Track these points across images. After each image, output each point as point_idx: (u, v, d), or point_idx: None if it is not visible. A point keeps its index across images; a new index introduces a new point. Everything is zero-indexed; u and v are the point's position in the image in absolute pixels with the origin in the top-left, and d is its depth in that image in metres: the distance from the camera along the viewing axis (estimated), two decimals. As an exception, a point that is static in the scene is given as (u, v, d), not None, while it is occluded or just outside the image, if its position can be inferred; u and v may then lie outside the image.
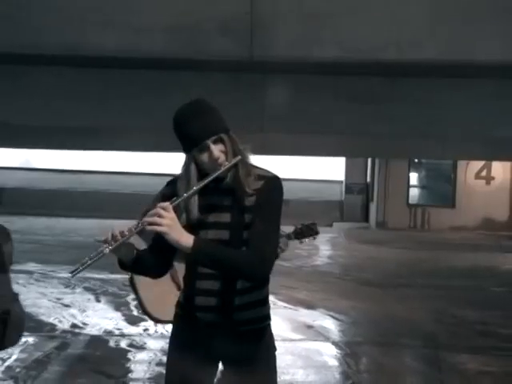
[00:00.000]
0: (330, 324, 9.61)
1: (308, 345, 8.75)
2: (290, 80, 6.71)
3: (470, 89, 8.81)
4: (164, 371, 6.79)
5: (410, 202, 22.35)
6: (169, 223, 3.20)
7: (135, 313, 10.21)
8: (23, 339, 8.40)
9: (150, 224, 3.19)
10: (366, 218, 23.65)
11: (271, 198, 3.38)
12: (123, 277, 12.55)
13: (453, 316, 10.43)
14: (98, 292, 11.38)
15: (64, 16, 5.15)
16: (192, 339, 3.55)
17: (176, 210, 3.25)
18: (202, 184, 3.29)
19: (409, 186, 22.84)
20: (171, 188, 3.45)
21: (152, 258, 3.47)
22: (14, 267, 4.83)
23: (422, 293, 11.91)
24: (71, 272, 3.25)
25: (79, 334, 8.94)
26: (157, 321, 5.40)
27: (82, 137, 12.58)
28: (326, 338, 8.99)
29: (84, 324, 9.43)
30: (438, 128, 9.65)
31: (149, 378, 7.25)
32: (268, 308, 3.63)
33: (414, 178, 23.37)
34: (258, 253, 3.30)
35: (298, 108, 8.89)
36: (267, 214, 3.36)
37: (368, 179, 24.25)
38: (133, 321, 9.75)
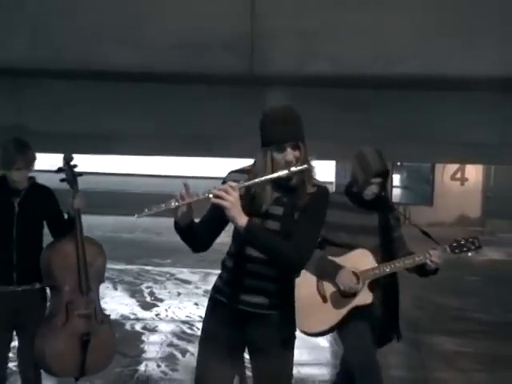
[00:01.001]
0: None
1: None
2: (285, 92, 6.69)
3: (446, 100, 8.80)
4: (174, 352, 6.76)
5: (393, 200, 22.30)
6: (232, 201, 3.20)
7: (148, 299, 10.21)
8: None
9: (217, 196, 3.21)
10: (354, 215, 23.65)
11: (319, 204, 3.44)
12: (138, 267, 12.57)
13: (432, 303, 10.43)
14: (115, 281, 11.37)
15: (82, 34, 5.14)
16: (227, 321, 3.51)
17: (244, 192, 3.31)
18: (271, 176, 3.32)
19: (392, 187, 22.82)
20: (236, 175, 3.48)
21: (201, 230, 3.44)
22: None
23: (405, 282, 11.87)
24: (138, 214, 3.30)
25: (98, 318, 8.94)
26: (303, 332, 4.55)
27: (97, 142, 12.58)
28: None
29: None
30: (418, 134, 9.65)
31: (160, 358, 7.24)
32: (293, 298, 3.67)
33: (396, 179, 23.39)
34: (298, 248, 3.33)
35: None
36: (312, 216, 3.41)
37: (355, 180, 24.26)
38: (146, 306, 9.75)
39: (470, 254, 4.56)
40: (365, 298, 4.26)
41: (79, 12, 5.09)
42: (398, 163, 22.77)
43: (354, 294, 4.27)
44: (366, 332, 4.34)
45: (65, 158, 4.93)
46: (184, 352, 7.45)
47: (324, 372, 7.25)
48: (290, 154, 3.35)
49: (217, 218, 3.37)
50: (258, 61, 5.19)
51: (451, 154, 12.76)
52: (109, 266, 12.53)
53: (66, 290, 4.64)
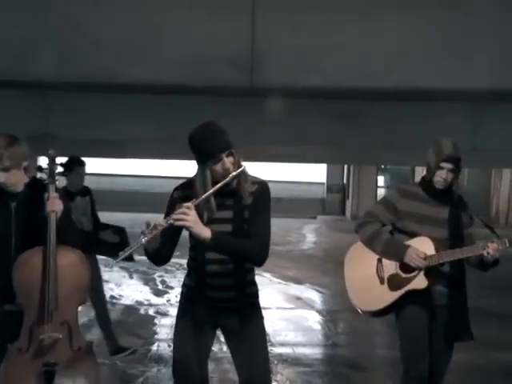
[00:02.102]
0: (314, 296, 9.60)
1: (297, 312, 8.74)
2: (281, 102, 6.72)
3: (424, 110, 8.82)
4: None
5: (378, 199, 22.34)
6: (193, 219, 3.25)
7: (160, 287, 10.22)
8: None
9: (178, 220, 3.23)
10: (343, 212, 23.63)
11: (265, 199, 3.46)
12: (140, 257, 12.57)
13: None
14: (131, 270, 11.37)
15: (103, 53, 5.16)
16: (199, 313, 3.52)
17: (196, 208, 3.28)
18: (216, 187, 3.32)
19: (377, 187, 22.83)
20: (182, 192, 3.47)
21: (162, 247, 3.44)
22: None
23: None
24: (116, 259, 3.32)
25: (116, 303, 8.94)
26: (361, 310, 4.32)
27: (115, 147, 12.58)
28: (311, 307, 8.99)
29: (120, 296, 9.43)
30: (400, 141, 9.67)
31: (171, 339, 7.21)
32: (256, 286, 3.64)
33: (380, 180, 23.44)
34: (259, 242, 3.38)
35: (288, 124, 8.89)
36: (263, 212, 3.44)
37: (344, 181, 24.28)
38: (158, 293, 9.76)
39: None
40: (419, 282, 3.96)
41: (101, 33, 5.11)
42: (383, 166, 22.77)
43: (412, 278, 3.97)
44: (422, 326, 4.00)
45: (48, 156, 3.73)
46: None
47: (316, 351, 7.26)
48: (227, 162, 3.36)
49: (172, 234, 3.40)
50: (257, 75, 5.20)
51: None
52: (125, 257, 12.64)
53: (30, 308, 3.47)
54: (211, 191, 3.31)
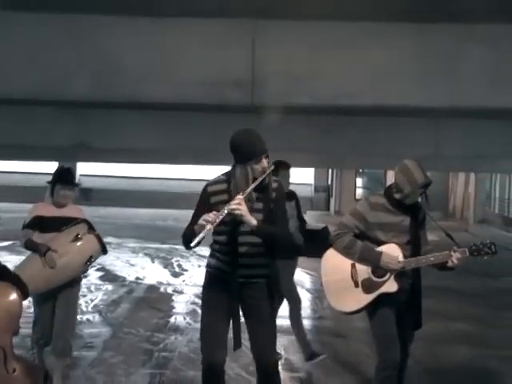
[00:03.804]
0: (305, 277, 9.60)
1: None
2: (276, 117, 6.73)
3: (395, 123, 8.85)
4: (196, 308, 6.65)
5: (357, 197, 22.30)
6: (245, 209, 3.30)
7: (177, 270, 10.22)
8: (104, 286, 8.44)
9: (234, 210, 3.28)
10: (328, 208, 23.64)
11: (283, 194, 3.57)
12: (169, 246, 12.57)
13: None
14: (153, 256, 11.39)
15: (129, 75, 5.15)
16: (223, 290, 3.49)
17: (245, 200, 3.33)
18: (257, 182, 3.37)
19: (355, 187, 22.87)
20: (216, 186, 3.49)
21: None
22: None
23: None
24: (191, 245, 3.33)
25: (140, 283, 8.96)
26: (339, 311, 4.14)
27: (141, 154, 12.59)
28: (302, 287, 8.97)
29: (144, 277, 9.44)
30: (375, 149, 9.69)
31: (186, 312, 7.25)
32: (277, 269, 3.66)
33: (359, 181, 23.46)
34: (287, 232, 3.56)
35: (283, 135, 8.91)
36: (283, 204, 3.55)
37: (329, 182, 24.31)
38: (175, 275, 9.78)
39: (485, 257, 3.81)
40: (390, 286, 3.82)
41: (127, 60, 5.11)
42: (360, 170, 22.78)
43: (383, 282, 3.83)
44: (393, 326, 3.88)
45: None
46: (203, 308, 7.48)
47: (306, 323, 7.22)
48: (265, 162, 3.41)
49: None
50: (256, 95, 5.20)
51: (398, 163, 12.79)
52: (147, 245, 12.58)
53: None
54: (254, 185, 3.35)
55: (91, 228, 4.39)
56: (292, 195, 5.45)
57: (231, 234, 3.44)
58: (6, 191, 21.95)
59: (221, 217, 3.28)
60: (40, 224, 4.34)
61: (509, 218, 17.55)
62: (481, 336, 6.68)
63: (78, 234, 4.27)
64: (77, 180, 4.63)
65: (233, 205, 3.29)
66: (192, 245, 3.35)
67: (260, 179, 3.37)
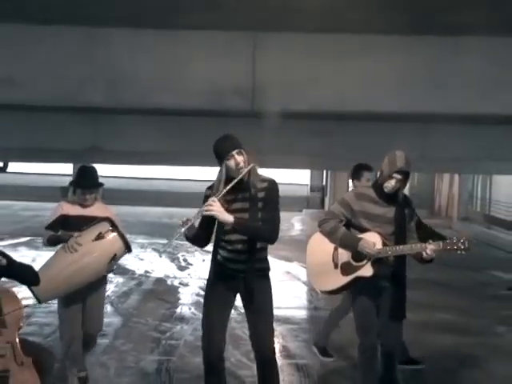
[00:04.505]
0: (300, 271, 9.61)
1: (287, 283, 8.75)
2: (275, 123, 6.73)
3: (383, 128, 8.86)
4: (200, 300, 6.69)
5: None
6: (218, 209, 3.29)
7: (183, 264, 10.23)
8: (115, 279, 8.45)
9: (207, 211, 3.29)
10: (323, 206, 23.64)
11: (273, 193, 3.44)
12: (176, 242, 12.56)
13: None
14: (160, 251, 11.40)
15: (140, 84, 5.17)
16: (224, 282, 3.52)
17: (220, 200, 3.32)
18: (233, 183, 3.35)
19: (348, 187, 22.81)
20: (211, 190, 3.48)
21: (201, 233, 3.47)
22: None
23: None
24: (162, 249, 3.36)
25: (149, 276, 8.97)
26: (317, 289, 4.20)
27: (150, 156, 12.59)
28: (298, 279, 9.00)
29: (152, 270, 9.45)
30: (366, 151, 9.67)
31: (191, 303, 7.27)
32: (268, 263, 3.63)
33: (351, 182, 23.37)
34: (272, 230, 3.40)
35: (281, 139, 8.92)
36: (273, 204, 3.42)
37: (324, 183, 24.29)
38: (181, 268, 9.79)
39: (458, 252, 3.71)
40: (366, 270, 3.80)
41: (137, 69, 5.11)
42: (352, 171, 22.78)
43: (360, 266, 3.81)
44: (371, 312, 3.87)
45: None
46: (207, 299, 7.50)
47: (302, 313, 7.27)
48: (238, 158, 3.37)
49: (207, 223, 3.44)
50: (257, 102, 5.20)
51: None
52: (155, 240, 12.60)
53: None
54: (229, 186, 3.32)
55: (114, 226, 4.07)
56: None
57: (230, 230, 3.44)
58: (24, 191, 21.95)
59: (193, 220, 3.29)
60: (64, 223, 4.08)
61: (489, 216, 17.56)
62: (464, 325, 6.70)
63: (100, 233, 3.98)
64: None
65: (205, 206, 3.29)
66: (161, 250, 3.40)
67: (236, 180, 3.32)
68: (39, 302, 3.90)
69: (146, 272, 9.28)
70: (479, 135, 9.21)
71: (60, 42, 5.01)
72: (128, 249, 4.10)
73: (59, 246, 4.06)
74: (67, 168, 22.80)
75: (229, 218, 3.29)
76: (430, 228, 4.60)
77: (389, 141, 8.84)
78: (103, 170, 24.08)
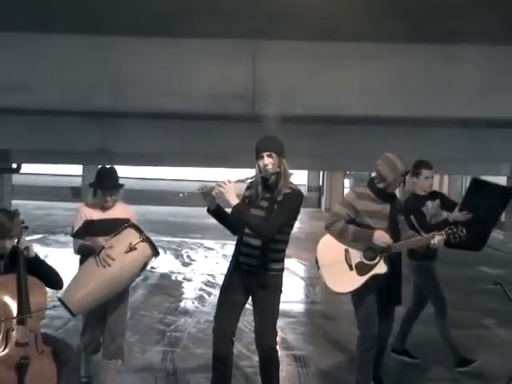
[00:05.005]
0: (299, 267, 9.62)
1: (286, 279, 8.74)
2: (274, 126, 6.72)
3: (376, 131, 8.85)
4: (203, 294, 6.66)
5: (344, 197, 22.37)
6: (227, 188, 3.27)
7: (186, 260, 10.22)
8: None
9: (219, 186, 3.28)
10: (319, 206, 23.64)
11: (291, 201, 3.40)
12: (180, 239, 12.57)
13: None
14: (165, 248, 11.39)
15: (146, 88, 5.17)
16: (237, 278, 3.51)
17: (247, 194, 3.41)
18: (251, 176, 3.39)
19: (343, 187, 22.82)
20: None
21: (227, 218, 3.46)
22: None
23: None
24: (179, 195, 3.38)
25: (154, 272, 8.95)
26: (332, 291, 4.01)
27: (156, 158, 12.58)
28: (297, 275, 9.00)
29: (157, 266, 9.43)
30: (360, 153, 9.68)
31: (194, 298, 7.26)
32: (283, 264, 3.57)
33: (346, 182, 23.43)
34: (268, 226, 3.33)
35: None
36: (284, 208, 3.38)
37: (320, 183, 24.30)
38: (185, 264, 9.78)
39: (458, 240, 3.83)
40: (381, 268, 3.81)
41: (143, 75, 5.11)
42: (348, 172, 22.74)
43: (374, 264, 3.82)
44: (373, 305, 3.89)
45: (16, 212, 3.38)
46: (209, 294, 7.47)
47: (300, 307, 7.26)
48: (266, 160, 3.38)
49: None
50: (257, 106, 5.21)
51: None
52: (160, 238, 12.63)
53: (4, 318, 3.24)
54: (246, 178, 3.38)
55: (140, 231, 3.79)
56: (436, 194, 4.88)
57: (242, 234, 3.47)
58: (36, 191, 21.95)
59: (208, 188, 3.32)
60: (90, 228, 3.86)
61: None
62: (452, 317, 6.67)
63: (130, 243, 3.70)
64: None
65: (219, 182, 3.28)
66: (177, 196, 3.47)
67: (255, 176, 3.36)
68: (73, 315, 3.72)
69: (152, 268, 9.27)
70: (467, 138, 9.22)
71: (70, 50, 5.02)
72: (156, 255, 3.86)
73: (91, 257, 3.75)
74: (77, 169, 22.82)
75: (233, 200, 3.26)
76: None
77: (382, 143, 8.81)
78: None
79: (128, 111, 6.54)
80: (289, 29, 4.72)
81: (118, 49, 5.04)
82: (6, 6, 4.35)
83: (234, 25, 4.63)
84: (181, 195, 3.38)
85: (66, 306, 3.58)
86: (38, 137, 9.31)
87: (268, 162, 3.36)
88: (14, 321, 3.19)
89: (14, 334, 3.17)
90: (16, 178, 15.14)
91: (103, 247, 3.65)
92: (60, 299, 3.60)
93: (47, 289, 3.39)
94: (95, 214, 3.90)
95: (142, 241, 3.74)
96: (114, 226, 3.79)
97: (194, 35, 4.90)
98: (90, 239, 3.80)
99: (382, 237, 3.78)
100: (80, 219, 3.89)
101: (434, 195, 4.80)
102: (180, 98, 5.21)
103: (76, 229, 3.87)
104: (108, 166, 4.05)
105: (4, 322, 3.19)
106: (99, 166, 4.15)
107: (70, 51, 5.01)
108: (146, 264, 3.80)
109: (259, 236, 3.40)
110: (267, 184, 3.40)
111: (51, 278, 3.40)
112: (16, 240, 3.27)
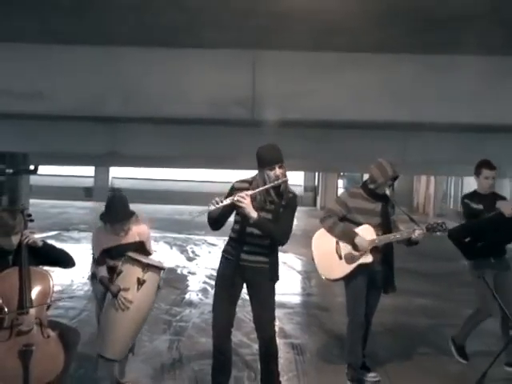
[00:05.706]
0: (296, 261, 9.59)
1: (284, 272, 8.71)
2: (273, 130, 6.73)
3: (369, 135, 8.84)
4: (207, 287, 6.62)
5: (338, 196, 22.33)
6: (247, 203, 3.28)
7: (191, 255, 10.19)
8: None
9: (238, 201, 3.28)
10: (315, 204, 23.61)
11: (292, 204, 3.48)
12: (185, 236, 12.56)
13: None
14: (170, 244, 11.35)
15: (151, 95, 5.17)
16: (233, 271, 3.48)
17: (251, 197, 3.33)
18: (265, 187, 3.38)
19: (337, 188, 22.81)
20: (241, 184, 3.48)
21: (220, 218, 3.44)
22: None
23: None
24: (193, 215, 3.38)
25: (161, 266, 8.93)
26: (327, 278, 4.14)
27: (162, 160, 12.57)
28: (293, 269, 8.97)
29: (163, 261, 9.42)
30: (353, 156, 9.69)
31: (198, 290, 7.24)
32: (272, 257, 3.55)
33: (340, 183, 23.42)
34: (283, 232, 3.42)
35: (278, 145, 8.89)
36: (290, 212, 3.47)
37: (316, 183, 24.28)
38: (190, 259, 9.74)
39: (438, 233, 4.02)
40: (366, 258, 3.95)
41: (150, 82, 5.12)
42: (341, 173, 22.75)
43: (361, 255, 3.95)
44: (361, 290, 4.00)
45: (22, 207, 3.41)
46: (212, 287, 7.37)
47: (296, 298, 7.24)
48: (277, 171, 3.39)
49: (227, 212, 3.41)
50: (256, 111, 5.21)
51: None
52: (166, 234, 12.54)
53: (11, 308, 3.20)
54: (262, 188, 3.36)
55: (139, 262, 3.68)
56: (496, 195, 4.50)
57: (242, 225, 3.45)
58: (52, 191, 21.95)
59: (225, 202, 3.28)
60: (107, 254, 3.78)
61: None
62: (437, 309, 6.69)
63: (138, 279, 3.63)
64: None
65: (238, 197, 3.28)
66: (194, 214, 3.37)
67: (269, 185, 3.36)
68: (117, 361, 3.77)
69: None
70: (452, 141, 9.22)
71: (83, 59, 5.02)
72: (163, 270, 3.83)
73: (109, 304, 3.68)
74: (89, 170, 22.80)
75: (254, 213, 3.30)
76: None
77: (373, 146, 8.83)
78: (120, 172, 24.00)
79: (136, 117, 6.55)
80: (286, 40, 4.72)
81: (127, 59, 5.04)
82: (25, 20, 4.36)
83: (235, 36, 4.63)
84: (195, 214, 3.37)
85: (108, 359, 3.69)
86: (54, 140, 9.34)
87: (279, 172, 3.40)
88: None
89: (17, 322, 3.16)
90: (33, 179, 15.11)
91: (119, 289, 3.60)
92: (101, 356, 3.67)
93: (59, 282, 3.38)
94: (111, 241, 3.81)
95: (147, 270, 3.69)
96: (130, 250, 3.78)
97: (198, 46, 4.90)
98: (112, 287, 3.66)
99: (361, 242, 3.94)
100: (98, 245, 3.83)
101: (494, 196, 4.45)
102: (185, 105, 5.21)
103: (95, 253, 3.83)
104: (117, 194, 3.94)
105: (9, 314, 3.15)
106: (108, 194, 3.99)
107: (82, 61, 5.02)
108: (159, 285, 3.80)
109: (278, 243, 3.48)
110: (276, 191, 3.44)
111: (63, 258, 3.40)
112: (21, 235, 3.26)
